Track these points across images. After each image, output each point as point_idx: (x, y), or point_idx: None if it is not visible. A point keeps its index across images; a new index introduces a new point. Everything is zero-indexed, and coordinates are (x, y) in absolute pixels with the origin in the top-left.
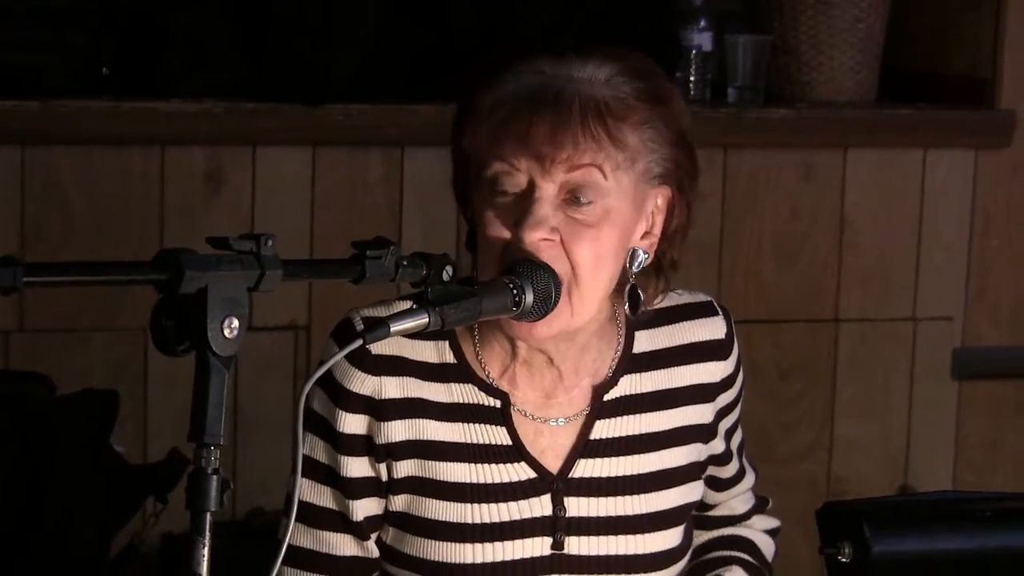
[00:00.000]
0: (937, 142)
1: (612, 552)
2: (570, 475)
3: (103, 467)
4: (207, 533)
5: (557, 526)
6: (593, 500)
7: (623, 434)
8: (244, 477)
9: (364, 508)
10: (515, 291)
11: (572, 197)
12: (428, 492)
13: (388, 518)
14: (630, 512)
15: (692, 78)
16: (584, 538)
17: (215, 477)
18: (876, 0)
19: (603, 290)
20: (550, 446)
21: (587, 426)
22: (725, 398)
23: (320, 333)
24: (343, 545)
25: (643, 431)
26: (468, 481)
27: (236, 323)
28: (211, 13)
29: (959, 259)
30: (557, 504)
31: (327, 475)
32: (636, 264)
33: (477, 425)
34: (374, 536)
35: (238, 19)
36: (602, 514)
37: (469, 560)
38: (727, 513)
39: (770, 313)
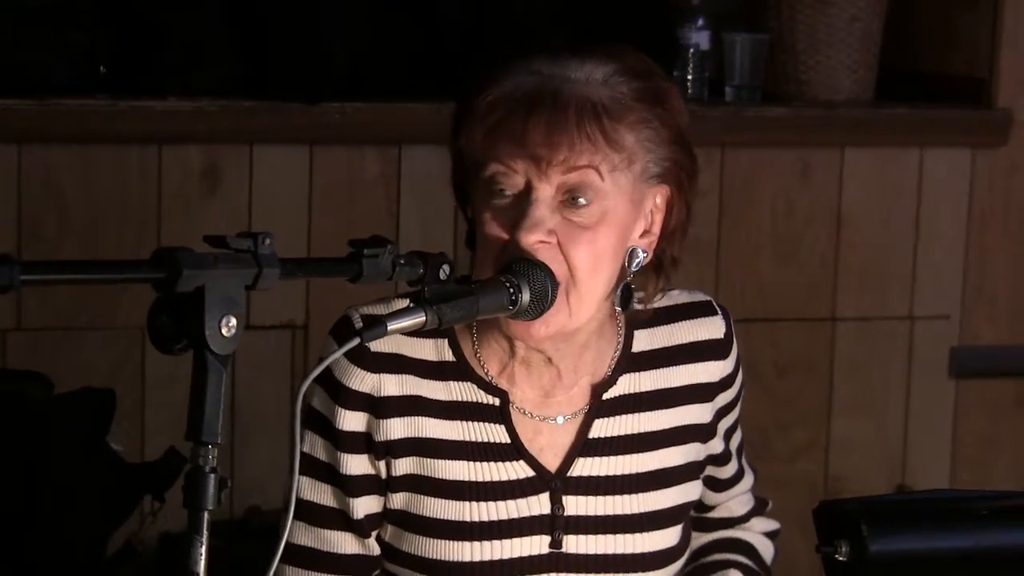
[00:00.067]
0: (934, 141)
1: (610, 551)
2: (569, 474)
3: (100, 466)
4: (204, 532)
5: (555, 524)
6: (591, 499)
7: (622, 433)
8: (242, 476)
9: (364, 506)
10: (512, 290)
11: (570, 198)
12: (427, 490)
13: (387, 516)
14: (628, 511)
15: (690, 77)
16: (582, 537)
17: (212, 476)
18: None
19: (601, 290)
20: (549, 444)
21: (586, 425)
22: (724, 398)
23: (318, 332)
24: (344, 543)
25: (642, 430)
26: (467, 479)
27: (234, 322)
28: (208, 12)
29: (956, 258)
30: (555, 503)
31: (327, 473)
32: (635, 263)
33: (476, 423)
34: (375, 534)
35: (235, 18)
36: (600, 513)
37: (467, 558)
38: (726, 515)
39: (767, 312)
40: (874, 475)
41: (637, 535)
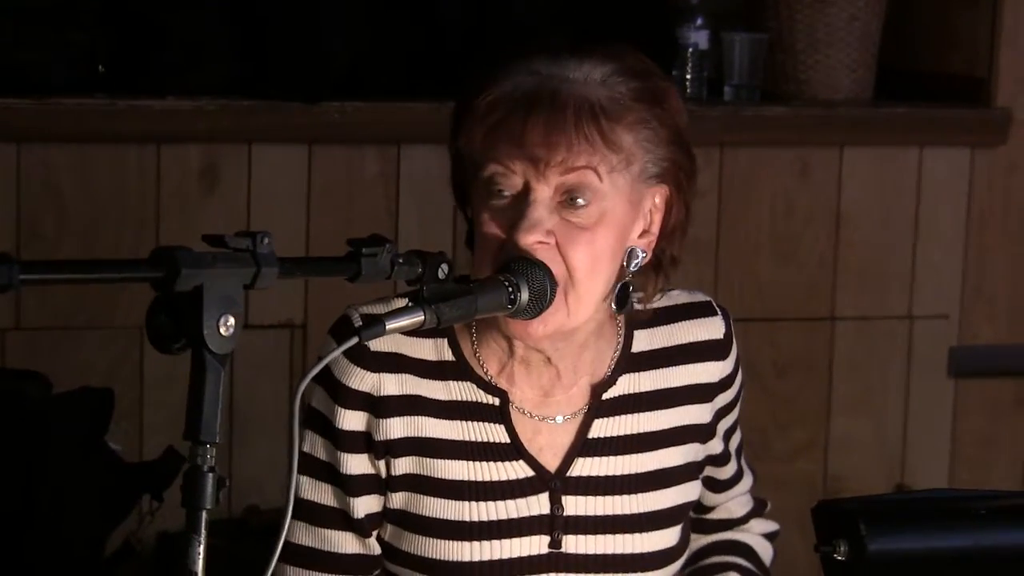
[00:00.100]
0: (933, 140)
1: (609, 551)
2: (568, 473)
3: (99, 465)
4: (203, 531)
5: (555, 524)
6: (591, 499)
7: (621, 433)
8: (240, 475)
9: (365, 505)
10: (510, 289)
11: (568, 199)
12: (426, 490)
13: (387, 515)
14: (628, 511)
15: (689, 76)
16: (581, 537)
17: (211, 475)
18: None
19: (600, 291)
20: (548, 444)
21: (585, 425)
22: (723, 398)
23: (316, 331)
24: (345, 542)
25: (641, 430)
26: (466, 479)
27: (232, 321)
28: (207, 11)
29: (955, 257)
30: (555, 502)
31: (327, 472)
32: (634, 264)
33: (475, 423)
34: (375, 533)
35: (234, 17)
36: (600, 513)
37: (467, 558)
38: (725, 516)
39: (766, 311)
40: (873, 475)
41: (636, 535)
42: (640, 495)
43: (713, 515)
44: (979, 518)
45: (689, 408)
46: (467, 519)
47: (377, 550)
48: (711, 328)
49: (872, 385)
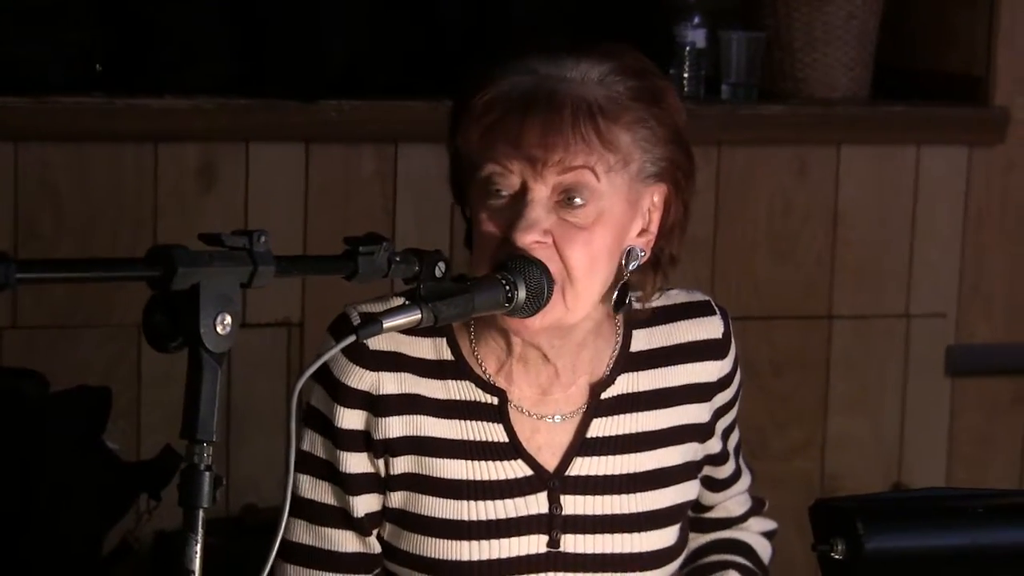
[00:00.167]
0: (931, 139)
1: (608, 550)
2: (566, 473)
3: (96, 464)
4: (200, 530)
5: (553, 524)
6: (589, 498)
7: (620, 432)
8: (237, 474)
9: (364, 504)
10: (507, 287)
11: (565, 199)
12: (425, 489)
13: (386, 514)
14: (626, 510)
15: (686, 75)
16: (580, 536)
17: (208, 474)
18: None
19: (598, 289)
20: (547, 443)
21: (584, 424)
22: (722, 398)
23: (313, 330)
24: (345, 541)
25: (640, 430)
26: (465, 478)
27: (229, 319)
28: (204, 9)
29: (953, 256)
30: (553, 502)
31: (327, 471)
32: (632, 262)
33: (474, 422)
34: (375, 532)
35: (231, 16)
36: (598, 512)
37: (465, 557)
38: (723, 515)
39: (763, 309)
40: (870, 473)
41: (634, 535)
42: (638, 494)
43: (712, 514)
44: (976, 517)
45: (687, 407)
46: (465, 518)
47: (377, 549)
48: (710, 327)
49: (869, 384)
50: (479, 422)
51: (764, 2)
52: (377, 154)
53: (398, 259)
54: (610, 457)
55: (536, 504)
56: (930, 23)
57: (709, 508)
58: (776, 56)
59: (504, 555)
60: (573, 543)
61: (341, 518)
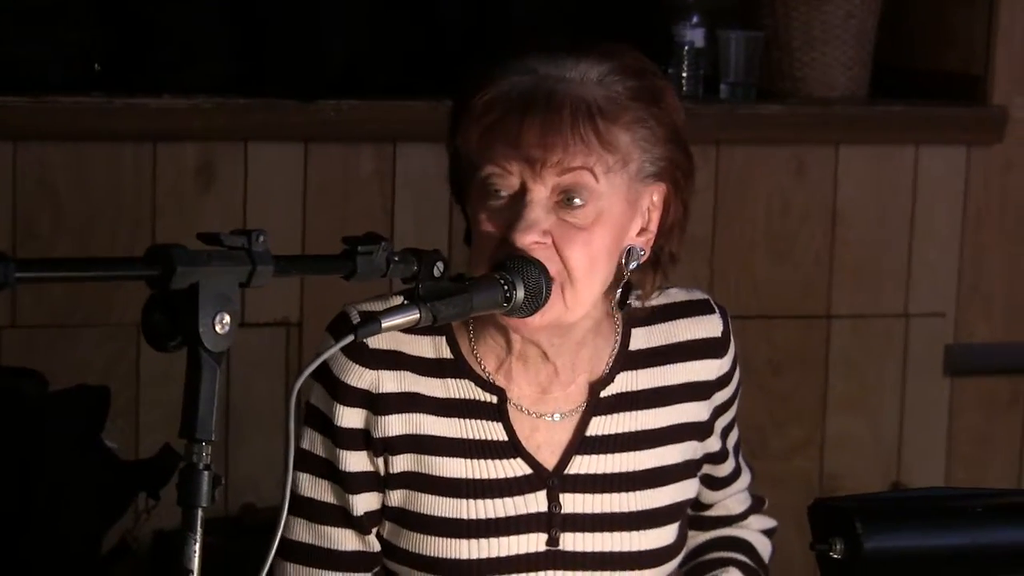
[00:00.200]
0: (929, 138)
1: (607, 549)
2: (566, 471)
3: (95, 463)
4: (198, 529)
5: (552, 522)
6: (588, 496)
7: (619, 431)
8: (236, 473)
9: (364, 502)
10: (506, 287)
11: (565, 199)
12: (424, 487)
13: (385, 513)
14: (625, 509)
15: (684, 74)
16: (579, 534)
17: (206, 473)
18: None
19: (597, 289)
20: (546, 442)
21: (583, 422)
22: (721, 396)
23: (312, 329)
24: (344, 540)
25: (639, 428)
26: (464, 477)
27: (227, 319)
28: (203, 9)
29: (951, 255)
30: (552, 500)
31: (326, 469)
32: (632, 261)
33: (473, 420)
34: (375, 531)
35: (230, 15)
36: (597, 510)
37: (465, 556)
38: (723, 513)
39: (762, 309)
40: (869, 473)
41: (634, 533)
42: (637, 493)
43: (711, 512)
44: (975, 516)
45: (686, 406)
46: (465, 517)
47: (377, 547)
48: (709, 326)
49: (868, 383)
50: (478, 420)
51: (762, 1)
52: (376, 154)
53: (396, 259)
54: (609, 455)
55: (535, 502)
56: (929, 22)
57: (709, 506)
58: (774, 55)
59: (503, 553)
60: (572, 541)
61: (340, 516)
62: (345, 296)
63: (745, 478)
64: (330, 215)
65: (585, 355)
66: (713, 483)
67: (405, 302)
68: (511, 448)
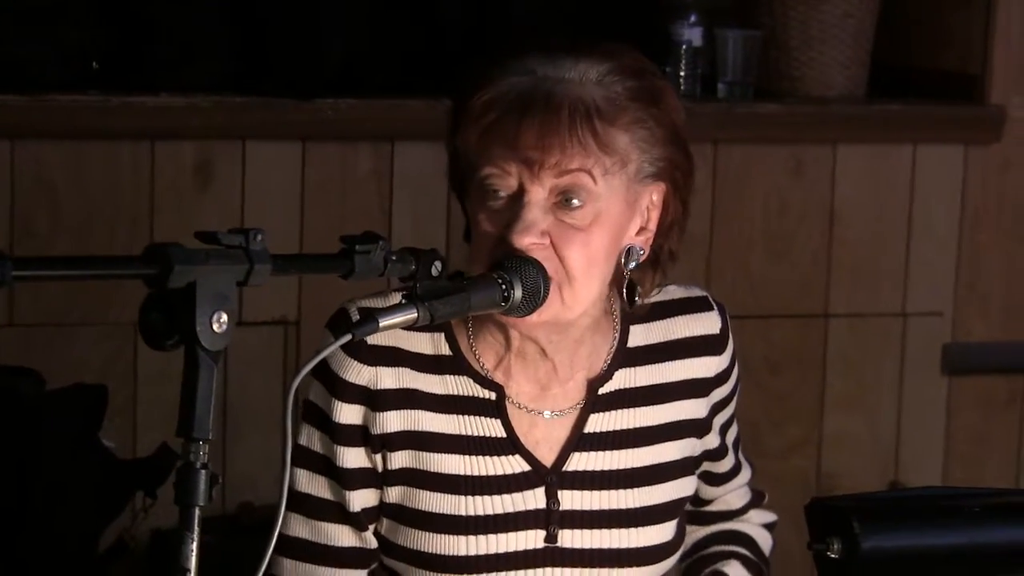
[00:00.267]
0: (927, 137)
1: (605, 545)
2: (564, 468)
3: (92, 462)
4: (196, 528)
5: (551, 519)
6: (586, 493)
7: (617, 428)
8: (233, 472)
9: (361, 499)
10: (504, 286)
11: (563, 200)
12: (422, 484)
13: (383, 509)
14: (623, 506)
15: (682, 73)
16: (577, 531)
17: (203, 472)
18: None
19: (595, 288)
20: (544, 439)
21: (581, 419)
22: (719, 393)
23: (309, 328)
24: (341, 535)
25: (637, 425)
26: (462, 473)
27: (225, 318)
28: (201, 7)
29: (949, 254)
30: (551, 497)
31: (324, 465)
32: (632, 261)
33: (472, 417)
34: (372, 527)
35: (228, 13)
36: (595, 507)
37: (463, 552)
38: (724, 508)
39: (759, 308)
40: (866, 472)
41: (632, 530)
42: (636, 490)
43: (712, 507)
44: (972, 516)
45: (684, 403)
46: (463, 513)
47: (373, 544)
48: (707, 323)
49: (866, 382)
50: (477, 417)
51: (760, 1)
52: (374, 153)
53: (394, 258)
54: (607, 452)
55: (534, 499)
56: (926, 21)
57: (709, 501)
58: (772, 55)
59: (501, 550)
60: (570, 538)
61: (337, 512)
62: (343, 295)
63: (745, 474)
64: (328, 214)
65: (584, 352)
66: (713, 479)
67: (403, 301)
68: (509, 445)
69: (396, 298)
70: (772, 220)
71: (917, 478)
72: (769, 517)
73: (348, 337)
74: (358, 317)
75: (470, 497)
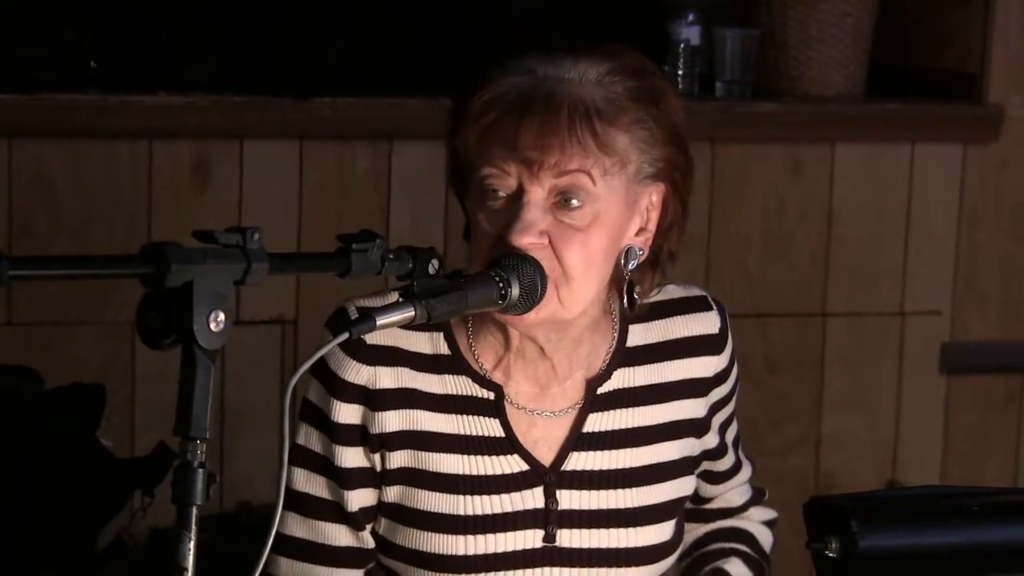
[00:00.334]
0: (925, 136)
1: (604, 545)
2: (562, 468)
3: (90, 461)
4: (193, 527)
5: (549, 519)
6: (585, 493)
7: (616, 427)
8: (231, 471)
9: (359, 498)
10: (501, 284)
11: (562, 200)
12: (421, 483)
13: (381, 509)
14: (622, 505)
15: (680, 72)
16: (576, 531)
17: (201, 471)
18: None
19: (594, 288)
20: (543, 438)
21: (580, 419)
22: (718, 392)
23: (307, 327)
24: (339, 535)
25: (636, 425)
26: (461, 473)
27: (222, 317)
28: (199, 6)
29: (947, 253)
30: (549, 497)
31: (322, 465)
32: (631, 261)
33: (470, 417)
34: (369, 527)
35: (226, 12)
36: (594, 507)
37: (461, 552)
38: (724, 506)
39: (758, 307)
40: (865, 471)
41: (630, 529)
42: (634, 489)
43: (712, 505)
44: (971, 515)
45: (683, 403)
46: (462, 513)
47: (371, 543)
48: (706, 323)
49: (864, 381)
50: (475, 417)
51: (759, 0)
52: (371, 151)
53: (392, 256)
54: (606, 452)
55: (532, 499)
56: (925, 21)
57: (710, 499)
58: (770, 54)
59: (500, 550)
60: (569, 538)
61: (335, 512)
62: (340, 294)
63: (745, 472)
64: (325, 213)
65: (582, 352)
66: (713, 478)
67: (400, 299)
68: (508, 444)
69: (394, 297)
70: (770, 219)
71: (915, 477)
72: (769, 514)
73: (345, 335)
74: (356, 316)
75: (469, 497)
